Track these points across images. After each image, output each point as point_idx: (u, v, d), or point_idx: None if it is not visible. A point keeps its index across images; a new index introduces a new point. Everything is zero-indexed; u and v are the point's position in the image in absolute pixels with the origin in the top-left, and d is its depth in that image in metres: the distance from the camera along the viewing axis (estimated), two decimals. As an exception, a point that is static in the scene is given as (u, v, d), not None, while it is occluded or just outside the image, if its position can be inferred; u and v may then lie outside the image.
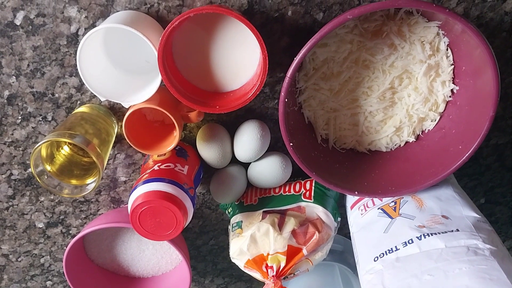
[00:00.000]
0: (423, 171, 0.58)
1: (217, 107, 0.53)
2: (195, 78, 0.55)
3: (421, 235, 0.52)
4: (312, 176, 0.56)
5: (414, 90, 0.57)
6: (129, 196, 0.57)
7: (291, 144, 0.54)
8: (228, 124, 0.64)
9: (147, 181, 0.56)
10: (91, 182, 0.57)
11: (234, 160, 0.65)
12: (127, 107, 0.55)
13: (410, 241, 0.53)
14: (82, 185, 0.57)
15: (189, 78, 0.55)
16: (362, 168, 0.61)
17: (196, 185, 0.62)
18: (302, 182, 0.66)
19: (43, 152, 0.57)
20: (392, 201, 0.60)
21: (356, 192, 0.57)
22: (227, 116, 0.64)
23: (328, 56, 0.55)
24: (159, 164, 0.59)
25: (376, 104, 0.58)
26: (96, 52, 0.55)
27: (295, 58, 0.49)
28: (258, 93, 0.52)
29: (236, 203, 0.68)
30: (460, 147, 0.55)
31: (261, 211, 0.64)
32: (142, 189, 0.56)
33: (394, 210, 0.58)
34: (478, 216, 0.55)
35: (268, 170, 0.64)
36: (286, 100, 0.52)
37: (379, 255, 0.54)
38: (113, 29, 0.50)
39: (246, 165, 0.66)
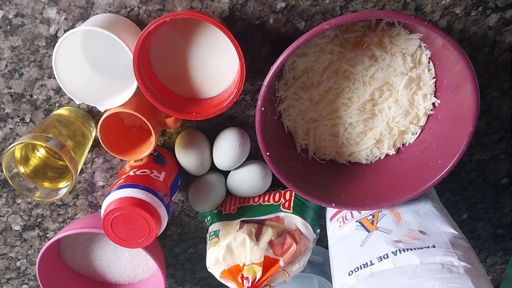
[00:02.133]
0: (402, 185, 0.57)
1: (194, 113, 0.52)
2: (172, 84, 0.54)
3: (396, 250, 0.51)
4: (289, 187, 0.55)
5: (394, 102, 0.56)
6: (103, 201, 0.56)
7: (268, 153, 0.53)
8: (208, 131, 0.64)
9: (121, 187, 0.55)
10: (63, 187, 0.56)
11: (213, 168, 0.64)
12: (102, 110, 0.54)
13: (386, 256, 0.52)
14: (54, 188, 0.56)
15: (167, 84, 0.54)
16: (341, 179, 0.60)
17: (172, 192, 0.62)
18: (282, 192, 0.65)
19: (17, 154, 0.57)
20: (370, 214, 0.59)
21: (334, 204, 0.56)
22: (207, 123, 0.63)
23: (308, 65, 0.55)
24: (135, 169, 0.59)
25: (356, 115, 0.57)
26: (75, 55, 0.55)
27: (271, 67, 0.48)
28: (235, 101, 0.51)
29: (214, 211, 0.67)
30: (440, 161, 0.54)
31: (239, 220, 0.63)
32: (115, 195, 0.55)
33: (372, 223, 0.57)
34: (456, 232, 0.54)
35: (247, 179, 0.63)
36: (263, 108, 0.51)
37: (354, 269, 0.53)
38: (93, 32, 0.50)
39: (225, 173, 0.65)
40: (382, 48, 0.54)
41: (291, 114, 0.58)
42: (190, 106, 0.54)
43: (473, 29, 0.56)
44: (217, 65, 0.53)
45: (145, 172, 0.58)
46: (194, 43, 0.52)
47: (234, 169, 0.64)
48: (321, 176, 0.60)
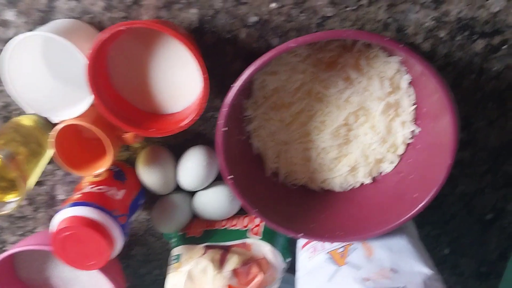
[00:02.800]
0: (376, 217, 0.53)
1: (152, 129, 0.49)
2: (133, 97, 0.51)
3: (363, 290, 0.47)
4: (253, 213, 0.51)
5: (371, 128, 0.53)
6: (54, 218, 0.52)
7: (230, 177, 0.49)
8: (175, 148, 0.60)
9: (73, 204, 0.52)
10: (11, 201, 0.52)
11: (179, 188, 0.60)
12: (54, 122, 0.50)
13: (352, 295, 0.48)
14: (1, 202, 0.52)
15: (126, 96, 0.51)
16: (312, 207, 0.56)
17: (132, 211, 0.58)
18: (251, 216, 0.61)
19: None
20: (341, 247, 0.54)
21: (301, 234, 0.52)
22: (175, 139, 0.60)
23: (278, 85, 0.51)
24: (92, 186, 0.55)
25: (330, 140, 0.53)
26: (33, 61, 0.51)
27: (232, 85, 0.45)
28: (196, 119, 0.48)
29: (179, 233, 0.63)
30: (416, 195, 0.50)
31: (203, 245, 0.60)
32: (66, 213, 0.51)
33: (341, 256, 0.53)
34: (431, 272, 0.50)
35: (214, 201, 0.59)
36: (228, 128, 0.47)
37: (317, 307, 0.49)
38: (52, 38, 0.46)
39: (192, 194, 0.61)
40: (358, 71, 0.50)
41: (261, 135, 0.54)
42: (149, 121, 0.50)
43: (459, 54, 0.53)
44: (180, 79, 0.50)
45: (102, 189, 0.54)
46: (157, 54, 0.49)
47: (200, 190, 0.60)
48: (291, 202, 0.56)
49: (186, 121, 0.47)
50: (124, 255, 0.70)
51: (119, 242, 0.53)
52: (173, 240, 0.64)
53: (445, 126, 0.46)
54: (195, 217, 0.63)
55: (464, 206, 0.63)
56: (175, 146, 0.60)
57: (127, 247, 0.69)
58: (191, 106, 0.50)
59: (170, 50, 0.49)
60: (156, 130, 0.48)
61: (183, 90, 0.50)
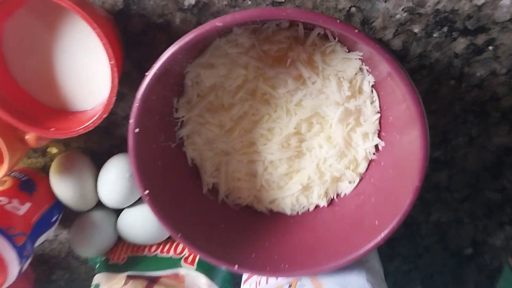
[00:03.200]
0: (330, 247, 0.43)
1: (52, 129, 0.39)
2: (35, 89, 0.41)
3: None
4: (175, 238, 0.41)
5: (327, 140, 0.44)
6: None
7: (146, 192, 0.40)
8: (98, 155, 0.50)
9: (-44, 218, 0.42)
10: None
11: (102, 204, 0.50)
12: None
13: None
14: None
15: (27, 88, 0.41)
16: (256, 233, 0.46)
17: (39, 230, 0.48)
18: (188, 240, 0.51)
19: None
20: (287, 282, 0.45)
21: (237, 266, 0.42)
22: (99, 144, 0.50)
23: (216, 81, 0.42)
24: (-11, 196, 0.45)
25: (278, 152, 0.44)
26: None
27: (146, 74, 0.36)
28: (104, 116, 0.38)
29: (102, 258, 0.53)
30: (377, 222, 0.41)
31: (125, 274, 0.50)
32: None
33: (287, 295, 0.43)
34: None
35: (141, 222, 0.50)
36: (144, 130, 0.38)
37: None
38: None
39: (118, 212, 0.52)
40: (312, 68, 0.41)
41: (196, 143, 0.45)
42: (52, 119, 0.41)
43: (436, 55, 0.44)
44: (94, 70, 0.40)
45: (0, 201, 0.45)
46: (65, 38, 0.40)
47: (126, 208, 0.50)
48: (230, 226, 0.46)
49: (91, 121, 0.38)
50: (44, 280, 0.59)
51: (12, 267, 0.43)
52: (97, 265, 0.54)
53: (413, 141, 0.37)
54: (121, 240, 0.53)
55: (439, 238, 0.54)
56: (98, 153, 0.51)
57: (47, 271, 0.59)
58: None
59: (82, 34, 0.40)
60: (56, 130, 0.39)
61: (97, 84, 0.41)
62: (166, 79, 0.39)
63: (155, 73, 0.35)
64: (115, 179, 0.47)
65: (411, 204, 0.38)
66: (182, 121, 0.44)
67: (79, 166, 0.48)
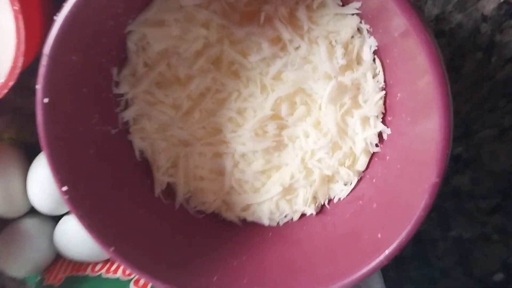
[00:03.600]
0: (319, 269, 0.33)
1: None
2: None
3: None
4: (107, 253, 0.31)
5: (314, 126, 0.33)
6: None
7: (64, 188, 0.29)
8: (33, 148, 0.40)
9: None
10: None
11: (36, 211, 0.40)
12: None
13: None
14: None
15: None
16: (222, 249, 0.35)
17: None
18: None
19: None
20: (261, 315, 0.34)
21: (192, 293, 0.32)
22: (33, 135, 0.40)
23: (168, 45, 0.32)
24: None
25: (251, 142, 0.34)
26: None
27: (54, 18, 0.26)
28: (11, 84, 0.28)
29: (38, 278, 0.43)
30: (380, 235, 0.30)
31: (59, 298, 0.39)
32: None
33: (259, 333, 0.32)
34: None
35: (83, 233, 0.39)
36: (48, 101, 0.28)
37: None
38: None
39: (57, 220, 0.41)
40: (294, 28, 0.31)
41: (146, 129, 0.35)
42: None
43: (458, 17, 0.34)
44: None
45: None
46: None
47: (65, 215, 0.40)
48: (188, 239, 0.35)
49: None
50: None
51: None
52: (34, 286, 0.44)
53: (431, 127, 0.27)
54: (60, 257, 0.43)
55: (460, 259, 0.43)
56: (33, 146, 0.40)
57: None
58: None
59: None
60: None
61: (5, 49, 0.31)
62: (94, 34, 0.29)
63: (68, 18, 0.25)
64: (47, 176, 0.37)
65: (426, 209, 0.27)
66: (126, 99, 0.34)
67: (6, 162, 0.38)
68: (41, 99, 0.27)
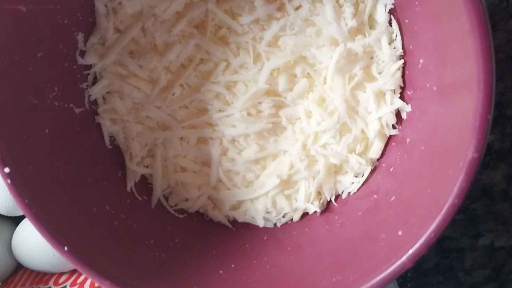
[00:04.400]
0: (324, 278, 0.26)
1: None
2: None
3: None
4: (60, 253, 0.25)
5: (318, 104, 0.28)
6: None
7: (6, 169, 0.23)
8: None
9: None
10: None
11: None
12: None
13: None
14: None
15: None
16: (206, 255, 0.29)
17: None
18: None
19: None
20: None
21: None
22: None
23: (143, 6, 0.27)
24: None
25: (243, 122, 0.28)
26: None
27: None
28: None
29: (-7, 291, 0.37)
30: (400, 232, 0.24)
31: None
32: None
33: None
34: None
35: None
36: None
37: None
38: None
39: (15, 222, 0.35)
40: (294, -18, 0.26)
41: (117, 109, 0.29)
42: None
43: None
44: None
45: None
46: None
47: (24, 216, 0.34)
48: (166, 243, 0.29)
49: None
50: None
51: None
52: (-9, 303, 0.37)
53: (464, 107, 0.22)
54: (21, 267, 0.37)
55: (493, 273, 0.36)
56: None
57: None
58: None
59: None
60: None
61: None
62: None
63: None
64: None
65: (461, 195, 0.21)
66: (93, 73, 0.29)
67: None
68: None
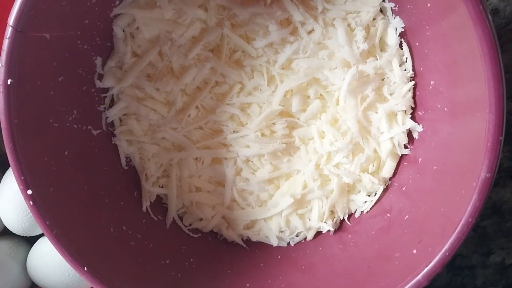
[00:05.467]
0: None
1: None
2: None
3: None
4: (80, 273, 0.25)
5: (331, 124, 0.28)
6: None
7: (28, 191, 0.24)
8: (6, 162, 0.35)
9: None
10: None
11: (8, 231, 0.35)
12: None
13: None
14: None
15: None
16: (222, 273, 0.30)
17: None
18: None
19: None
20: None
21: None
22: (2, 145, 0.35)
23: (160, 31, 0.28)
24: None
25: (257, 143, 0.29)
26: None
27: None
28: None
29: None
30: (415, 251, 0.24)
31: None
32: None
33: None
34: None
35: (61, 257, 0.33)
36: (12, 82, 0.23)
37: None
38: None
39: (30, 242, 0.36)
40: (307, 9, 0.27)
41: (134, 131, 0.30)
42: None
43: (493, 1, 0.30)
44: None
45: None
46: None
47: (41, 236, 0.35)
48: (181, 263, 0.30)
49: None
50: None
51: None
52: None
53: (476, 128, 0.22)
54: (34, 286, 0.37)
55: (504, 291, 0.36)
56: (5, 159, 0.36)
57: None
58: None
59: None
60: None
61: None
62: (74, 11, 0.24)
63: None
64: (16, 190, 0.32)
65: (475, 213, 0.22)
66: (111, 95, 0.29)
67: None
68: (4, 79, 0.22)
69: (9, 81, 0.22)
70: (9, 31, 0.22)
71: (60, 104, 0.26)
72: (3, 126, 0.23)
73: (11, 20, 0.22)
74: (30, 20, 0.22)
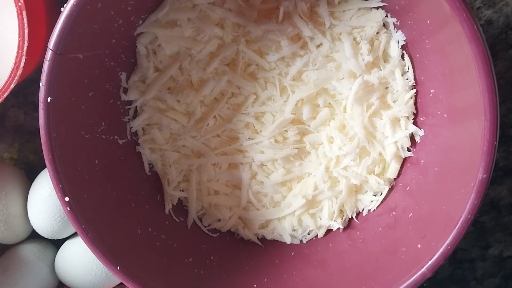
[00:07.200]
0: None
1: None
2: None
3: None
4: (113, 272, 0.27)
5: (339, 130, 0.30)
6: None
7: (66, 198, 0.26)
8: (34, 168, 0.38)
9: None
10: None
11: (37, 234, 0.37)
12: None
13: None
14: None
15: None
16: (239, 271, 0.32)
17: None
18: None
19: None
20: None
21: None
22: (37, 155, 0.38)
23: (180, 47, 0.30)
24: None
25: (270, 149, 0.31)
26: None
27: (61, 10, 0.24)
28: (6, 93, 0.26)
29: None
30: (420, 246, 0.27)
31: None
32: None
33: None
34: None
35: (88, 259, 0.36)
36: (52, 100, 0.25)
37: None
38: None
39: (57, 245, 0.38)
40: (315, 25, 0.29)
41: (156, 140, 0.32)
42: None
43: (487, 14, 0.32)
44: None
45: None
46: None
47: (68, 238, 0.37)
48: (203, 261, 0.32)
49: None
50: None
51: None
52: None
53: (472, 133, 0.25)
54: (61, 286, 0.39)
55: (503, 281, 0.39)
56: (34, 165, 0.38)
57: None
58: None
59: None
60: None
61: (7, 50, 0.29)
62: (102, 32, 0.27)
63: (75, 10, 0.23)
64: (48, 195, 0.34)
65: (474, 210, 0.24)
66: (134, 107, 0.32)
67: (6, 183, 0.36)
68: (44, 97, 0.25)
69: (48, 99, 0.25)
70: (49, 54, 0.24)
71: (90, 117, 0.29)
72: (43, 140, 0.26)
73: (51, 44, 0.24)
74: (67, 44, 0.25)
